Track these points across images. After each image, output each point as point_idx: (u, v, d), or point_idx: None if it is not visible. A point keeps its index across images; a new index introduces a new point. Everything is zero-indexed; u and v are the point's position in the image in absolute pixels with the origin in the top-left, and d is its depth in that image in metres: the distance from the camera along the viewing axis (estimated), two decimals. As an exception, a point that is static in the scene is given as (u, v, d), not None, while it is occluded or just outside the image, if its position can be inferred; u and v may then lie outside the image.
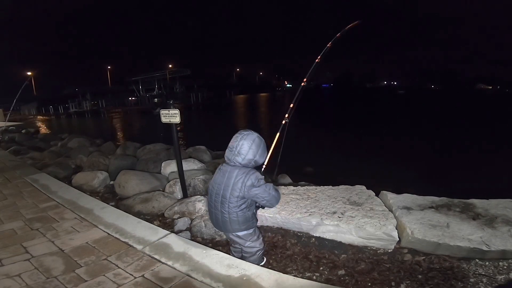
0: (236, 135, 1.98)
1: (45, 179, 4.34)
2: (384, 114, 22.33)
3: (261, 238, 2.18)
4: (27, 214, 3.11)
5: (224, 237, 2.63)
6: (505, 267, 2.10)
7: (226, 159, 2.00)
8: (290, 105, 2.85)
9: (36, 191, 3.86)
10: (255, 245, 2.11)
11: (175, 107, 3.29)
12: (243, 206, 1.96)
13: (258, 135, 1.99)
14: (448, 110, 25.45)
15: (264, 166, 2.48)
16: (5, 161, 5.76)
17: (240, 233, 2.03)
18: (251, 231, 2.07)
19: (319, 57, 3.18)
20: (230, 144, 1.98)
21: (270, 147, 2.63)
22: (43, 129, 18.91)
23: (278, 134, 2.74)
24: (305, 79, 2.99)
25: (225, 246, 2.60)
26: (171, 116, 3.24)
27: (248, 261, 2.13)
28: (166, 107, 3.30)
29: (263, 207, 2.15)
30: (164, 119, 3.31)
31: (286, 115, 2.82)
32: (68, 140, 9.02)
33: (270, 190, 1.95)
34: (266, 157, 2.03)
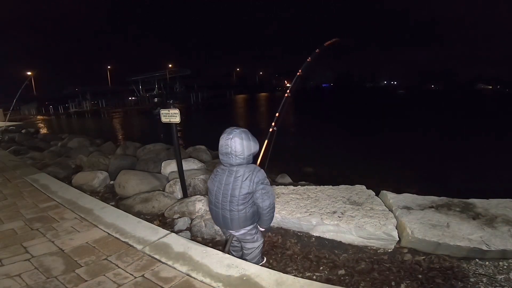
0: (224, 140, 1.97)
1: (45, 179, 4.34)
2: (383, 114, 22.31)
3: (260, 233, 2.24)
4: (27, 214, 3.11)
5: (224, 237, 2.64)
6: (505, 267, 2.10)
7: (226, 164, 2.02)
8: (276, 114, 2.94)
9: (36, 191, 3.86)
10: (257, 238, 2.17)
11: (175, 107, 3.29)
12: (251, 201, 2.03)
13: (240, 129, 2.00)
14: (448, 110, 25.45)
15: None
16: (5, 161, 5.76)
17: (247, 228, 2.08)
18: (255, 224, 2.14)
19: (300, 70, 3.38)
20: (223, 151, 1.98)
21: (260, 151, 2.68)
22: (43, 129, 18.90)
23: (266, 141, 2.80)
24: (288, 91, 3.16)
25: (225, 246, 2.60)
26: (171, 115, 3.25)
27: (249, 259, 2.16)
28: (166, 107, 3.31)
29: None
30: (164, 119, 3.31)
31: (273, 123, 2.90)
32: (68, 140, 9.03)
33: (271, 192, 2.07)
34: (258, 145, 2.07)
